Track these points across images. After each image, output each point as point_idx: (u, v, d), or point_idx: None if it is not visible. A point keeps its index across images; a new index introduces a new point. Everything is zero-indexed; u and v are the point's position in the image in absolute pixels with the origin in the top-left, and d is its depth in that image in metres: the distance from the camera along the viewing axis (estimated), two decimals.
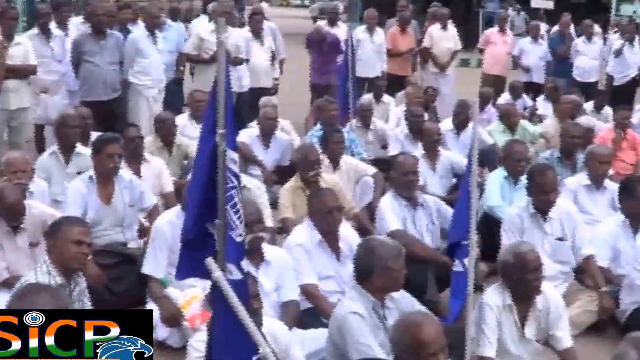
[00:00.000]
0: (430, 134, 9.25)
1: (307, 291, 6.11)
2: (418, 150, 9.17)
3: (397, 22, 15.02)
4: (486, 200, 8.15)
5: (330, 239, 6.28)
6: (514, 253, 5.46)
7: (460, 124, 10.53)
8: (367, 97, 12.47)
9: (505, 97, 14.03)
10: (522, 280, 5.39)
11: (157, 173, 8.28)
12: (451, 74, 15.12)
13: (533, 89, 15.03)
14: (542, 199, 7.00)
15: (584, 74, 15.46)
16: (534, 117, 13.26)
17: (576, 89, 14.06)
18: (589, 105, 13.36)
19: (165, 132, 9.17)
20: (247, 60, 12.02)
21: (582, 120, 11.32)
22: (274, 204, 8.15)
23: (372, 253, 5.17)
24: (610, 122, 11.90)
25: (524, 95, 14.41)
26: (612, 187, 8.15)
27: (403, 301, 5.28)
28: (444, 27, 15.03)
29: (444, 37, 14.91)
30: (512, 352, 5.48)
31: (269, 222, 7.61)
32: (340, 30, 14.09)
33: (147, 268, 6.47)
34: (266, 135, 9.98)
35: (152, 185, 8.01)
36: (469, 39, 23.37)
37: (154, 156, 8.57)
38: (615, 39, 15.91)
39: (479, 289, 5.91)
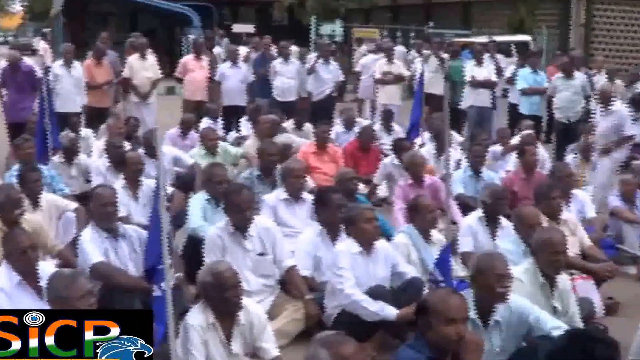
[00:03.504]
0: (133, 164, 9.26)
1: None
2: (119, 181, 9.17)
3: (92, 55, 14.97)
4: (189, 222, 8.29)
5: (30, 278, 6.11)
6: (211, 273, 5.60)
7: (152, 150, 10.46)
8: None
9: (205, 121, 14.15)
10: (222, 299, 5.54)
11: None
12: (153, 103, 15.20)
13: (236, 112, 15.30)
14: (239, 217, 7.18)
15: (283, 94, 15.93)
16: (237, 138, 13.56)
17: (276, 109, 14.50)
18: (290, 124, 13.84)
19: None
20: None
21: (280, 138, 11.71)
22: None
23: (49, 287, 5.17)
24: (311, 138, 12.41)
25: (219, 119, 14.70)
26: (310, 198, 8.47)
27: None
28: (143, 56, 15.13)
29: (143, 67, 15.02)
30: None
31: None
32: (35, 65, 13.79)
33: None
34: None
35: None
36: (174, 67, 23.58)
37: None
38: (313, 58, 16.58)
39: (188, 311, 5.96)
